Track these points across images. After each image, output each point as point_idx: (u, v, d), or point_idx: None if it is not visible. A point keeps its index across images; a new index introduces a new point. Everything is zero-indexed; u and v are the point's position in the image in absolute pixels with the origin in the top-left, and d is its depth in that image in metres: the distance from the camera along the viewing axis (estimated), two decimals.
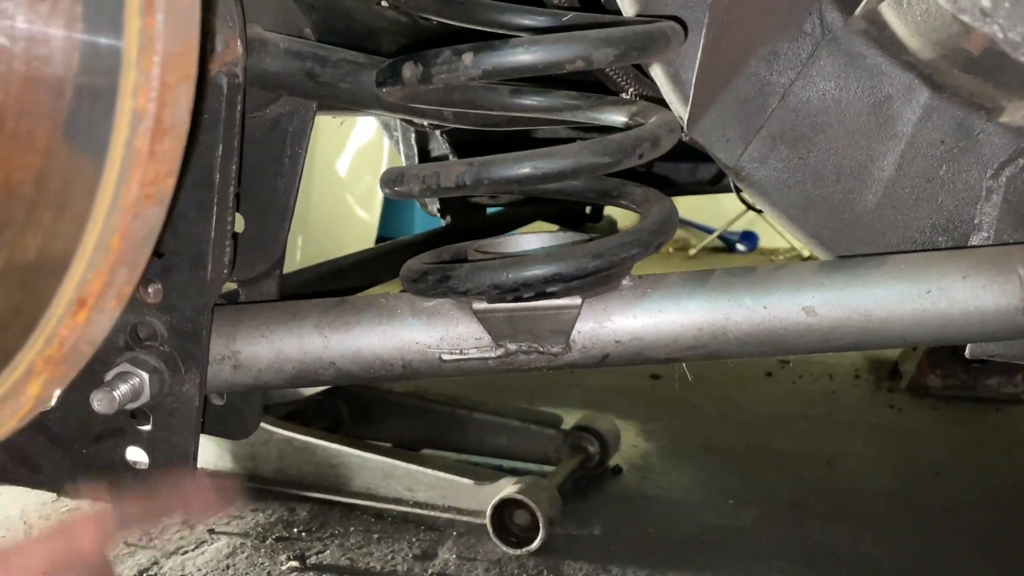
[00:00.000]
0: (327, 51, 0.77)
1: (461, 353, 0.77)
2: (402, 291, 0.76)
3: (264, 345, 0.78)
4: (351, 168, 4.34)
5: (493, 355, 0.77)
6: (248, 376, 0.79)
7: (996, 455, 2.14)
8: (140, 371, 0.71)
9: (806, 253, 4.82)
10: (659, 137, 0.67)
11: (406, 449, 2.02)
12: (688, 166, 1.74)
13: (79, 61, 0.41)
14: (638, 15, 0.83)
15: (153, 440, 0.75)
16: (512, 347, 0.76)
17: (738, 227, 5.25)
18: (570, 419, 2.10)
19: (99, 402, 0.69)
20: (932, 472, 2.05)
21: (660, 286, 0.76)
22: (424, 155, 1.64)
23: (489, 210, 2.06)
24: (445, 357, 0.77)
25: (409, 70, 0.64)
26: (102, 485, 0.77)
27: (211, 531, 1.73)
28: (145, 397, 0.72)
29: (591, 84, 1.06)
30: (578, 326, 0.76)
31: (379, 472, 1.84)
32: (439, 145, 1.56)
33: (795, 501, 1.93)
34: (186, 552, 1.65)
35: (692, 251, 5.27)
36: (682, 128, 0.82)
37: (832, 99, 0.84)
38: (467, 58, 0.62)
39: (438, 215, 1.78)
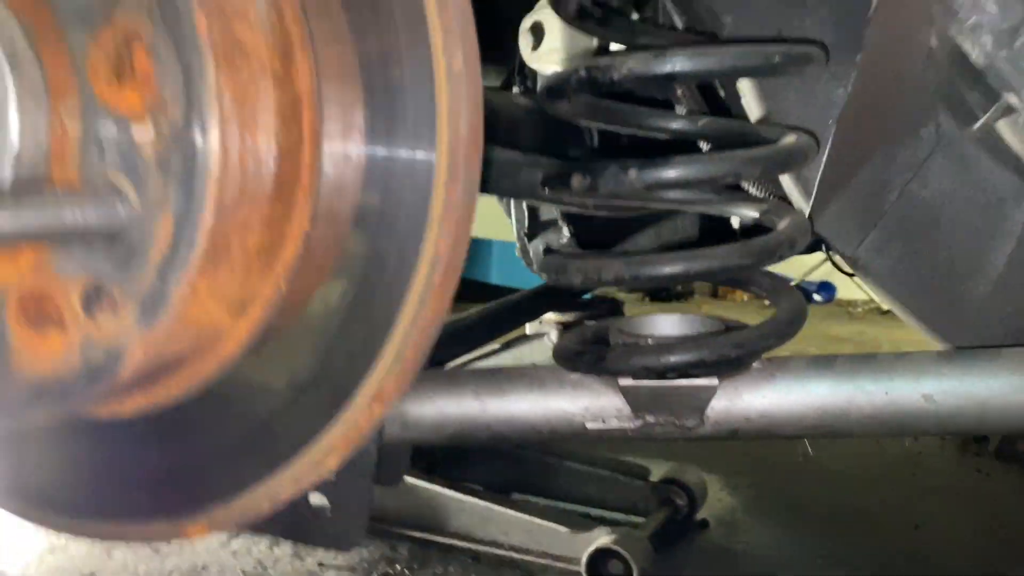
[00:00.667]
0: (492, 152, 0.88)
1: (603, 422, 0.86)
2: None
3: (429, 407, 0.88)
4: None
5: (632, 425, 0.85)
6: (414, 433, 0.89)
7: None
8: None
9: (884, 307, 4.77)
10: (795, 239, 0.75)
11: (496, 492, 2.10)
12: None
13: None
14: (762, 119, 0.93)
15: (336, 488, 0.85)
16: (650, 419, 0.85)
17: (815, 277, 5.23)
18: (655, 469, 2.15)
19: None
20: (1022, 539, 2.04)
21: (787, 369, 0.84)
22: (533, 217, 1.75)
23: None
24: (589, 426, 0.86)
25: (578, 181, 0.74)
26: (288, 525, 0.87)
27: (320, 564, 1.83)
28: None
29: None
30: (712, 403, 0.84)
31: (476, 515, 1.92)
32: (548, 209, 1.67)
33: (884, 563, 1.94)
34: None
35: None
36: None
37: (946, 197, 0.92)
38: (632, 173, 0.72)
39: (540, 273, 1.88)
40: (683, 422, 0.84)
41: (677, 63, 0.69)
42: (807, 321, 0.84)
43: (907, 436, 0.86)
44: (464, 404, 0.88)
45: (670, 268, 0.73)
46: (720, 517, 2.17)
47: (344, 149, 0.54)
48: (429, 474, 2.16)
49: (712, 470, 2.47)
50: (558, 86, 0.75)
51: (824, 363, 0.84)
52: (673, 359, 0.74)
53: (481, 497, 1.94)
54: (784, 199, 1.02)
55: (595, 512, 2.14)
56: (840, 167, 0.90)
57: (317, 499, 0.86)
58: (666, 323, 0.88)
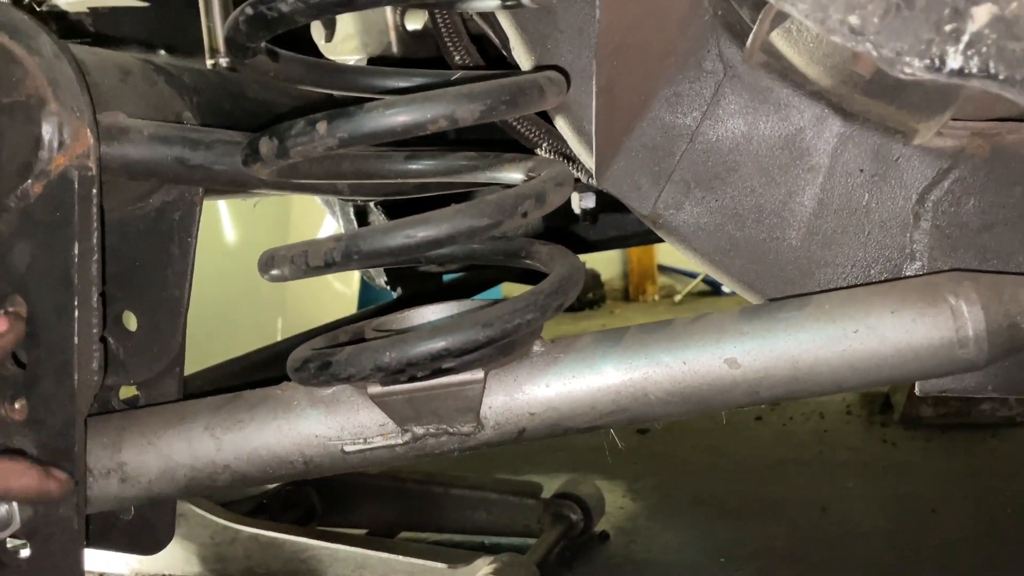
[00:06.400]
0: (200, 134, 0.73)
1: (365, 442, 0.71)
2: None
3: (152, 453, 0.72)
4: None
5: (400, 441, 0.71)
6: (137, 488, 0.72)
7: (994, 484, 2.06)
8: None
9: None
10: (544, 192, 0.62)
11: (384, 534, 1.94)
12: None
13: None
14: (534, 69, 0.80)
15: (33, 569, 0.68)
16: (419, 431, 0.70)
17: None
18: (554, 485, 2.02)
19: None
20: (929, 508, 1.97)
21: (571, 350, 0.71)
22: (361, 211, 1.59)
23: (447, 277, 2.01)
24: (348, 448, 0.71)
25: (265, 146, 0.60)
26: None
27: None
28: (15, 524, 0.66)
29: (506, 143, 1.03)
30: (488, 401, 0.70)
31: (351, 563, 1.75)
32: (377, 216, 1.52)
33: (791, 552, 1.84)
34: None
35: (677, 297, 5.23)
36: (584, 180, 0.78)
37: (742, 136, 0.80)
38: (321, 127, 0.58)
39: (387, 287, 1.73)
40: (458, 428, 0.70)
41: None
42: None
43: (719, 411, 0.74)
44: (195, 444, 0.72)
45: (389, 240, 0.59)
46: (622, 526, 2.04)
47: None
48: (307, 524, 1.98)
49: (616, 477, 2.35)
50: (229, 34, 0.60)
51: (613, 337, 0.71)
52: (409, 353, 0.60)
53: (357, 543, 1.78)
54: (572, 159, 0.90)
55: (490, 540, 2.00)
56: (616, 113, 0.77)
57: None
58: (430, 313, 0.74)
